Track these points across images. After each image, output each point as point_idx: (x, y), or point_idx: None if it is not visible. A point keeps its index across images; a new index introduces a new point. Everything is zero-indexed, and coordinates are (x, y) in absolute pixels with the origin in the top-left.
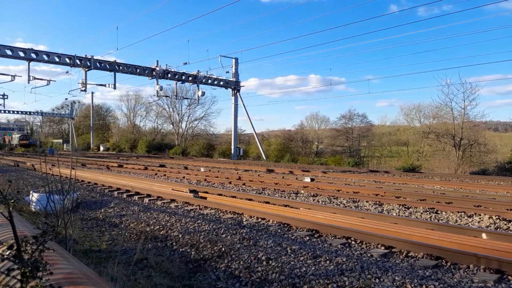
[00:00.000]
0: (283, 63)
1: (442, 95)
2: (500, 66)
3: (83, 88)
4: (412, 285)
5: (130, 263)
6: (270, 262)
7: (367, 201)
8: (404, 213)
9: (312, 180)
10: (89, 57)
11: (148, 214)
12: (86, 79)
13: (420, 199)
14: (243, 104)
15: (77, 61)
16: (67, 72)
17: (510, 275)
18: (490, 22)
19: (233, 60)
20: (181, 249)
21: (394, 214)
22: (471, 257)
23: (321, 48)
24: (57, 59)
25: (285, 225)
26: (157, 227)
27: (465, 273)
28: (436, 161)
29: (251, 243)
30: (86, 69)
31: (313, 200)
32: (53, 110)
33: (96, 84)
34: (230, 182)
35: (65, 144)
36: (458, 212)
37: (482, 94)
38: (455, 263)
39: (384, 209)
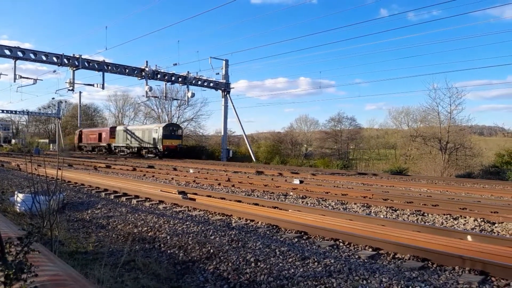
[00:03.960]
0: (273, 66)
1: (429, 99)
2: (485, 71)
3: (71, 88)
4: (399, 287)
5: (117, 265)
6: (259, 263)
7: (355, 203)
8: (392, 215)
9: (301, 182)
10: (77, 56)
11: (136, 215)
12: (73, 78)
13: (407, 201)
14: (233, 105)
15: (65, 60)
16: (54, 71)
17: (494, 277)
18: (477, 28)
19: (223, 61)
20: (169, 251)
21: (382, 216)
22: (456, 259)
23: (311, 51)
24: (44, 58)
25: (274, 226)
26: (145, 228)
27: (451, 274)
28: (423, 164)
29: (239, 244)
30: (74, 69)
31: (302, 202)
32: (40, 109)
33: (84, 84)
34: (219, 184)
35: (51, 144)
36: (444, 214)
37: (468, 98)
38: (441, 264)
39: (372, 211)
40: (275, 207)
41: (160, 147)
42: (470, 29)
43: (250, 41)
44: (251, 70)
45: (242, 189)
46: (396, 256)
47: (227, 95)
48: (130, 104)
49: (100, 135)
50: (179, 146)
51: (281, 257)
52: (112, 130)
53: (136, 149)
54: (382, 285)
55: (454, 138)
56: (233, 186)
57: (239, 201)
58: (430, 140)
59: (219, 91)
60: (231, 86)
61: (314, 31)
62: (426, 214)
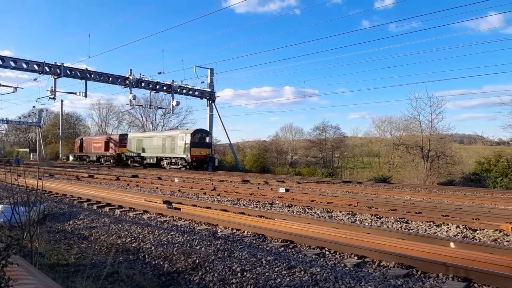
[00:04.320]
0: (258, 75)
1: (411, 108)
2: (464, 81)
3: (52, 96)
4: None
5: (100, 277)
6: (245, 273)
7: (340, 211)
8: (376, 223)
9: (287, 190)
10: (59, 64)
11: (120, 226)
12: (55, 86)
13: (391, 209)
14: (218, 114)
15: (46, 68)
16: (35, 79)
17: (476, 283)
18: (456, 39)
19: (208, 70)
20: (153, 262)
21: (367, 224)
22: (440, 265)
23: (295, 60)
24: (25, 66)
25: (260, 235)
26: (129, 239)
27: (435, 281)
28: (406, 172)
29: (225, 254)
30: (56, 77)
31: (288, 210)
32: (20, 118)
33: (66, 92)
34: (205, 193)
35: (32, 154)
36: (427, 221)
37: (448, 108)
38: (425, 271)
39: (357, 219)
40: (261, 216)
41: (187, 157)
42: (449, 40)
43: (235, 50)
44: (236, 79)
45: (228, 198)
46: (381, 264)
47: (213, 103)
48: (113, 112)
49: (106, 143)
50: (209, 156)
51: (267, 266)
52: (123, 138)
53: (154, 159)
54: None
55: (436, 147)
56: (219, 195)
57: (225, 210)
58: (412, 148)
59: (204, 100)
60: (216, 94)
61: (298, 41)
62: (410, 222)
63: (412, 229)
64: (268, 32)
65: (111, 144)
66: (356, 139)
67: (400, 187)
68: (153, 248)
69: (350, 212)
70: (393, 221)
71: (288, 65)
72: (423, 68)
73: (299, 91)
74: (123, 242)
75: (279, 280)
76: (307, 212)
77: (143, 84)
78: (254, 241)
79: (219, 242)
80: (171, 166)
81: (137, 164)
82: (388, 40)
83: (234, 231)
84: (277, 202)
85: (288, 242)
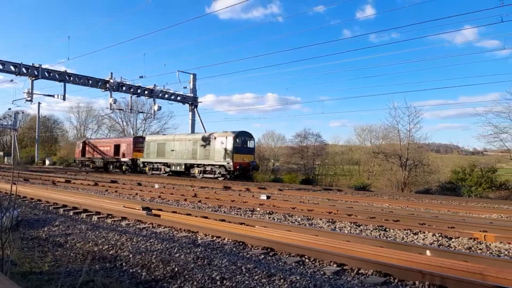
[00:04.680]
0: (240, 81)
1: (390, 117)
2: (441, 92)
3: (29, 98)
4: None
5: (75, 286)
6: (225, 281)
7: (320, 219)
8: (355, 230)
9: (268, 197)
10: (37, 65)
11: (97, 232)
12: (32, 88)
13: (370, 216)
14: (201, 119)
15: (23, 69)
16: (11, 80)
17: None
18: (433, 51)
19: (191, 75)
20: (131, 270)
21: (346, 231)
22: (416, 273)
23: (278, 68)
24: (0, 67)
25: (241, 243)
26: (106, 246)
27: None
28: (385, 180)
29: (205, 262)
30: (33, 78)
31: (269, 217)
32: None
33: (44, 95)
34: (185, 199)
35: (6, 157)
36: (405, 229)
37: (425, 117)
38: (402, 279)
39: (337, 227)
40: (242, 223)
41: (229, 164)
42: (426, 52)
43: (218, 56)
44: (219, 84)
45: (209, 204)
46: (360, 271)
47: (195, 109)
48: (93, 116)
49: (117, 147)
50: (252, 164)
51: (247, 274)
52: (138, 141)
53: (182, 166)
54: None
55: (413, 155)
56: (199, 201)
57: (206, 217)
58: (391, 156)
59: (187, 105)
60: (199, 100)
61: (281, 49)
62: (388, 229)
63: (390, 237)
64: (251, 39)
65: (122, 148)
66: (337, 146)
67: (379, 195)
68: (131, 255)
69: (330, 220)
70: (371, 228)
71: (270, 72)
72: (402, 78)
73: (282, 98)
74: (100, 249)
75: None
76: (288, 220)
77: (124, 88)
78: (234, 249)
79: (199, 250)
80: (205, 175)
81: (157, 172)
82: (369, 50)
83: (214, 239)
84: (258, 209)
85: (269, 250)
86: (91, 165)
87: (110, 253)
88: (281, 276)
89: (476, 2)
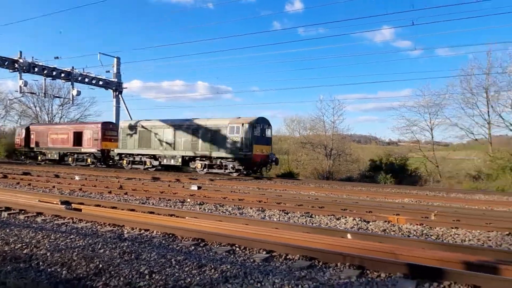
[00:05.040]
0: (169, 67)
1: (317, 109)
2: (362, 87)
3: None
4: (290, 286)
5: None
6: (154, 275)
7: (251, 208)
8: (284, 218)
9: (199, 188)
10: None
11: (7, 230)
12: None
13: (298, 204)
14: (126, 107)
15: None
16: None
17: (368, 270)
18: (356, 48)
19: (115, 59)
20: (49, 269)
21: (275, 219)
22: (338, 256)
23: (209, 56)
24: None
25: (170, 235)
26: (19, 245)
27: (334, 271)
28: (311, 169)
29: (132, 256)
30: None
31: (200, 208)
32: None
33: None
34: (110, 192)
35: None
36: (329, 215)
37: (348, 110)
38: (326, 262)
39: (266, 215)
40: (171, 215)
41: (248, 157)
42: (349, 48)
43: (146, 40)
44: (146, 70)
45: (136, 197)
46: (287, 257)
47: (119, 95)
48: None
49: (78, 135)
50: (271, 157)
51: (177, 266)
52: (108, 128)
53: (179, 159)
54: (274, 286)
55: (337, 145)
56: (126, 194)
57: (133, 210)
58: (317, 146)
59: (110, 91)
60: (124, 85)
61: (211, 36)
62: (314, 216)
63: (315, 223)
64: (181, 24)
65: (86, 136)
66: None
67: (306, 183)
68: (48, 254)
69: (260, 208)
70: (299, 215)
71: (201, 60)
72: (328, 72)
73: (213, 87)
74: (12, 249)
75: (189, 279)
76: (219, 210)
77: (36, 69)
78: (164, 241)
79: (126, 244)
80: (211, 171)
81: (139, 167)
82: (298, 43)
83: (142, 232)
84: (188, 200)
85: (199, 241)
86: (39, 157)
87: (25, 252)
88: (212, 266)
89: (394, 4)
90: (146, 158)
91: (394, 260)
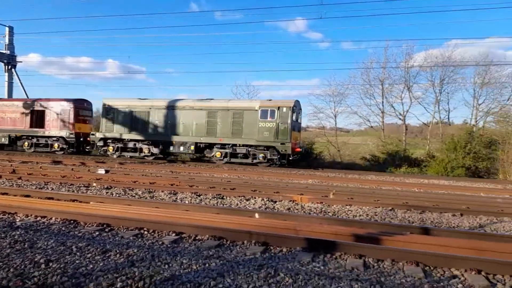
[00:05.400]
0: (74, 42)
1: (232, 94)
2: (274, 74)
3: None
4: (197, 266)
5: None
6: (51, 264)
7: (163, 191)
8: (195, 200)
9: (107, 172)
10: None
11: None
12: None
13: (210, 186)
14: (21, 82)
15: None
16: None
17: (272, 246)
18: (269, 36)
19: (7, 28)
20: None
21: (187, 202)
22: (245, 234)
23: (119, 33)
24: None
25: (72, 221)
26: None
27: (241, 248)
28: None
29: (26, 246)
30: None
31: (107, 193)
32: None
33: None
34: (0, 177)
35: None
36: (239, 196)
37: (263, 96)
38: (233, 240)
39: (178, 198)
40: (74, 200)
41: (285, 146)
42: (264, 36)
43: (47, 10)
44: (46, 43)
45: (33, 182)
46: (197, 238)
47: (13, 69)
48: None
49: (38, 115)
50: (304, 147)
51: (78, 253)
52: (81, 106)
53: (191, 146)
54: (182, 266)
55: None
56: (19, 179)
57: (28, 196)
58: None
59: (1, 64)
60: (18, 59)
61: (124, 13)
62: (225, 197)
63: (226, 204)
64: None
65: (50, 116)
66: None
67: (220, 167)
68: None
69: (172, 192)
70: (211, 197)
71: (111, 37)
72: (244, 58)
73: (125, 66)
74: None
75: (91, 266)
76: (128, 194)
77: None
78: (64, 228)
79: (18, 233)
80: (235, 160)
81: (132, 154)
82: (215, 27)
83: (38, 219)
84: (94, 184)
85: (105, 226)
86: None
87: None
88: (118, 251)
89: None
90: (143, 144)
91: (295, 236)
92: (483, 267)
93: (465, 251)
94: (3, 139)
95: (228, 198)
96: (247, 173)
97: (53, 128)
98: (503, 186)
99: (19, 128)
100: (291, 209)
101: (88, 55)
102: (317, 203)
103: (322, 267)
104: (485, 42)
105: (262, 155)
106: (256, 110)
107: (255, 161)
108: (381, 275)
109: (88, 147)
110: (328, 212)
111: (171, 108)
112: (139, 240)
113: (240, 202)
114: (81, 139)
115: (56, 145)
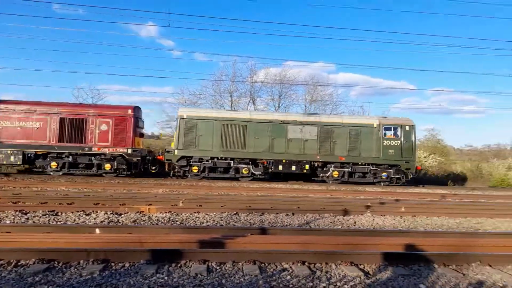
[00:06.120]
0: None
1: (73, 97)
2: (127, 79)
3: None
4: None
5: None
6: None
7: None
8: (21, 219)
9: None
10: None
11: None
12: None
13: (42, 202)
14: None
15: None
16: None
17: (113, 262)
18: (123, 38)
19: None
20: None
21: (9, 222)
22: (82, 253)
23: None
24: None
25: None
26: None
27: (76, 269)
28: None
29: None
30: None
31: None
32: None
33: None
34: None
35: None
36: (78, 211)
37: (111, 100)
38: (67, 262)
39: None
40: None
41: (409, 164)
42: (114, 37)
43: None
44: None
45: None
46: (19, 263)
47: None
48: None
49: (74, 125)
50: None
51: None
52: (139, 116)
53: (306, 166)
54: None
55: None
56: None
57: None
58: None
59: None
60: None
61: None
62: (60, 213)
63: (61, 221)
64: None
65: (98, 128)
66: None
67: (56, 179)
68: None
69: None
70: (41, 215)
71: None
72: (87, 59)
73: None
74: None
75: None
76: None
77: None
78: None
79: None
80: (352, 180)
81: (224, 176)
82: (53, 21)
83: None
84: None
85: None
86: None
87: None
88: None
89: (155, 2)
90: (240, 164)
91: (138, 249)
92: (306, 258)
93: (293, 246)
94: (12, 157)
95: (64, 214)
96: (90, 185)
97: (102, 143)
98: (326, 187)
99: (41, 143)
100: (138, 220)
101: None
102: (166, 212)
103: (166, 278)
104: (314, 66)
105: (385, 174)
106: (374, 126)
107: (375, 180)
108: (223, 277)
109: (153, 168)
110: (177, 221)
111: (273, 122)
112: None
113: (79, 218)
114: (148, 157)
115: (107, 165)
